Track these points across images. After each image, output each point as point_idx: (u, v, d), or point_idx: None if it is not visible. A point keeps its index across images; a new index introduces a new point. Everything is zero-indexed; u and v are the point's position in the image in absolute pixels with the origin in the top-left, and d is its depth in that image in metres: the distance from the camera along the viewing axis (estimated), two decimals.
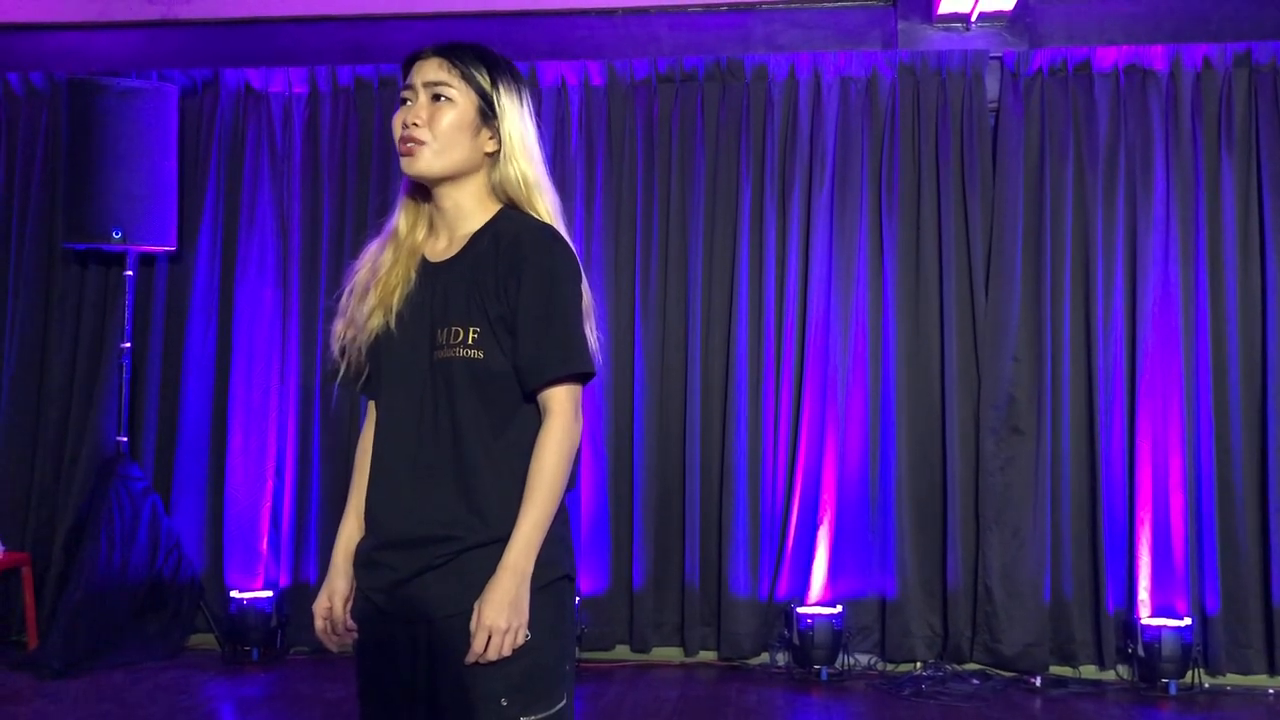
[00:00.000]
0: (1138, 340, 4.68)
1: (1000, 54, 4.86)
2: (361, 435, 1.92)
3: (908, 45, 4.95)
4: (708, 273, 4.94)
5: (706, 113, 5.00)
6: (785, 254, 4.89)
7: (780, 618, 4.77)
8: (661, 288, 4.97)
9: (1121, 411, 4.69)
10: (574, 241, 1.82)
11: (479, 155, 1.81)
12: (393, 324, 1.80)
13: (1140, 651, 4.48)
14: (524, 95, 1.84)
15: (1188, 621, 4.48)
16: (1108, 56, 4.78)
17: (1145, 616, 4.54)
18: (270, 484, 5.04)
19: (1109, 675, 4.64)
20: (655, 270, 4.96)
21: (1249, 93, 4.73)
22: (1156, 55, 4.76)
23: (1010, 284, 4.76)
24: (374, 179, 5.10)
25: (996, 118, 4.85)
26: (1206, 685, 4.50)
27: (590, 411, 4.78)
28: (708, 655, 4.86)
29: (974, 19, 4.88)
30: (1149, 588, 4.59)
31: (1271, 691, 4.51)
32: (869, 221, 4.87)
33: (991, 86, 4.87)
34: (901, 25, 4.97)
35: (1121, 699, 4.41)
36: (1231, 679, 4.58)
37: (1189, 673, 4.44)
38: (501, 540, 1.69)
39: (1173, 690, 4.41)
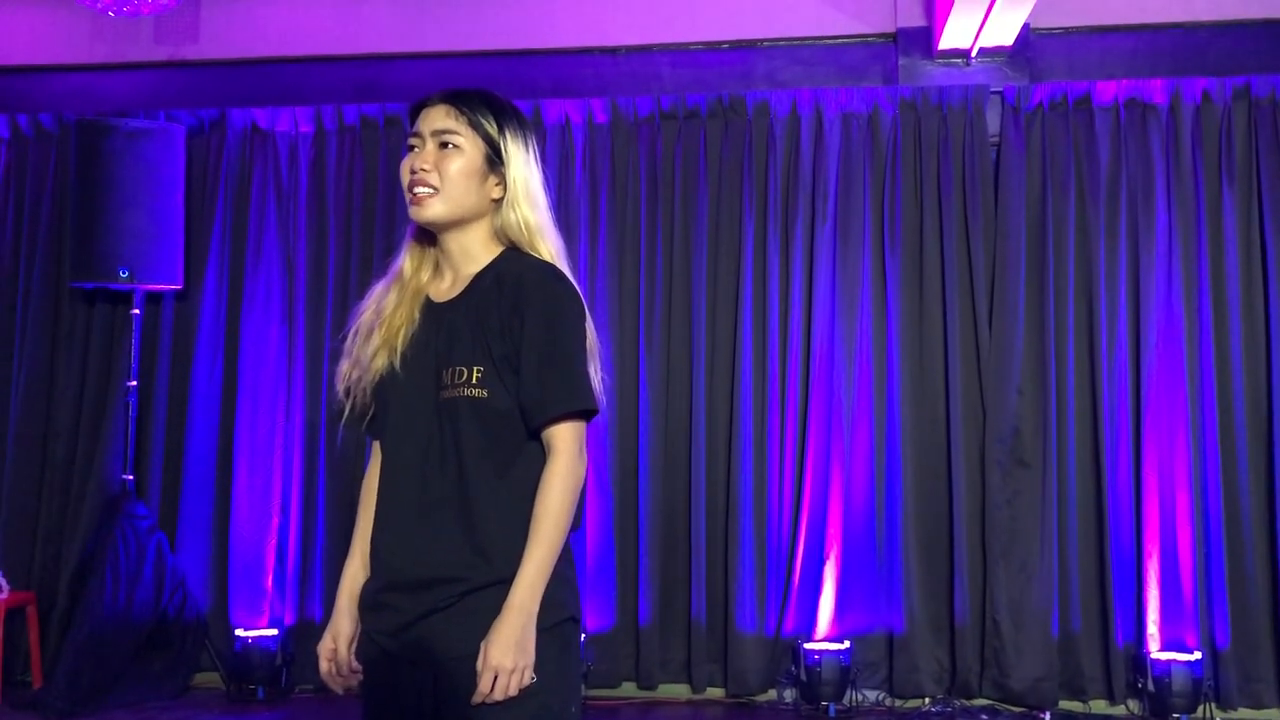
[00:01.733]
0: (1142, 372, 4.67)
1: (1001, 89, 4.89)
2: (366, 476, 1.92)
3: (909, 81, 4.98)
4: (711, 308, 4.96)
5: (709, 149, 5.03)
6: (789, 289, 4.91)
7: (787, 654, 4.74)
8: (665, 323, 4.98)
9: (1127, 444, 4.68)
10: (578, 278, 1.83)
11: (485, 201, 1.83)
12: (397, 364, 1.80)
13: (1150, 686, 4.43)
14: (530, 141, 1.85)
15: (1198, 655, 4.44)
16: (1108, 90, 4.81)
17: (1155, 650, 4.51)
18: (275, 521, 5.03)
19: (1119, 710, 4.60)
20: (659, 305, 4.97)
21: (1248, 126, 4.76)
22: (1156, 89, 4.79)
23: (1013, 317, 4.76)
24: (379, 216, 5.12)
25: (998, 152, 4.87)
26: None
27: (595, 447, 4.77)
28: (715, 692, 4.83)
29: (974, 54, 4.91)
30: (1158, 621, 4.56)
31: None
32: (871, 256, 4.88)
33: (992, 121, 4.90)
34: (902, 61, 5.00)
35: None
36: (1244, 713, 4.54)
37: (1200, 707, 4.40)
38: (506, 581, 1.69)
39: None
